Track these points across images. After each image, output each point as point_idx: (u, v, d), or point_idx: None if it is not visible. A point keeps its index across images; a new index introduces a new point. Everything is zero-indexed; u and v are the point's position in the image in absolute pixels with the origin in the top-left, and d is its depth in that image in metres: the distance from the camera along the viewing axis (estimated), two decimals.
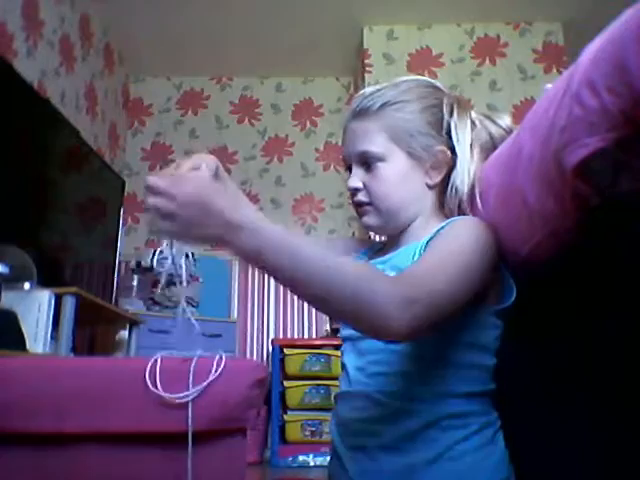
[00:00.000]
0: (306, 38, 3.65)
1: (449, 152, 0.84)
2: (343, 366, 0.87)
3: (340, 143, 0.92)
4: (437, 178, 0.85)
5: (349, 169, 0.88)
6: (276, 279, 0.64)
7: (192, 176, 0.69)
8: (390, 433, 0.76)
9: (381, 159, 0.83)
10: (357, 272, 0.64)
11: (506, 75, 3.49)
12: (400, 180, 0.84)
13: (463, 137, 0.84)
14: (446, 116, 0.85)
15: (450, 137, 0.84)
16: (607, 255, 0.66)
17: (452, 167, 0.83)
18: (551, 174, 0.61)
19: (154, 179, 0.62)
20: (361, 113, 0.86)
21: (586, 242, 0.66)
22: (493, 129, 0.87)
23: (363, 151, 0.84)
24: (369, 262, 0.85)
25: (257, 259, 0.62)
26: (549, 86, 0.67)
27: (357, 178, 0.85)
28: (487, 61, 3.53)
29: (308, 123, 4.02)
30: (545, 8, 3.43)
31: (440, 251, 0.72)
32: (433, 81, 0.91)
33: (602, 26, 0.55)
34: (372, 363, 0.80)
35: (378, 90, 0.87)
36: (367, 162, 0.84)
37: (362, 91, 0.89)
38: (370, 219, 0.86)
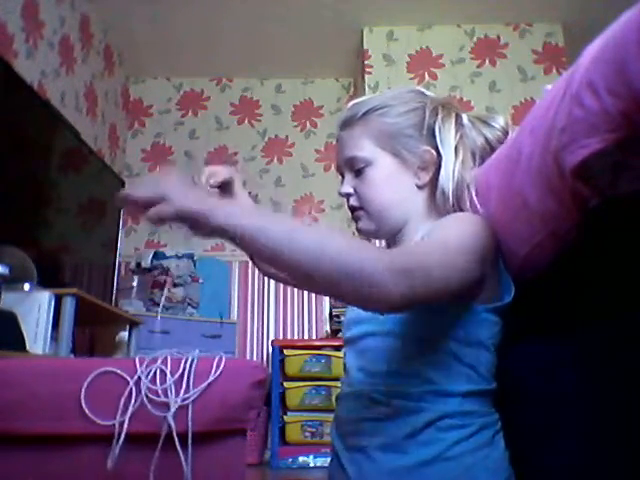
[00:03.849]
0: (306, 39, 3.65)
1: (435, 152, 0.85)
2: (345, 368, 0.88)
3: None
4: (426, 178, 0.86)
5: (343, 177, 0.91)
6: (259, 247, 0.65)
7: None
8: (388, 433, 0.76)
9: (368, 163, 0.86)
10: (346, 241, 0.65)
11: (506, 76, 3.49)
12: (387, 182, 0.86)
13: (447, 138, 0.85)
14: (429, 118, 0.86)
15: (435, 138, 0.86)
16: (607, 255, 0.66)
17: (440, 168, 0.85)
18: (551, 175, 0.61)
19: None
20: (347, 122, 0.89)
21: (586, 242, 0.66)
22: (488, 132, 0.89)
23: (351, 157, 0.87)
24: None
25: (239, 231, 0.65)
26: (549, 87, 0.67)
27: (348, 184, 0.89)
28: (487, 62, 3.53)
29: (308, 124, 4.02)
30: (545, 9, 3.43)
31: (432, 238, 0.74)
32: (418, 87, 0.94)
33: (602, 27, 0.55)
34: (371, 362, 0.81)
35: (363, 100, 0.91)
36: (356, 167, 0.87)
37: (349, 105, 0.92)
38: (363, 224, 0.88)
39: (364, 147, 0.86)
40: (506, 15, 3.50)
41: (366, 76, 3.50)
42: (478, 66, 3.53)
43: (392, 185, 0.86)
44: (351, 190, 0.88)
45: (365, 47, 3.56)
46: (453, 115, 0.87)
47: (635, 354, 0.63)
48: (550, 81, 2.88)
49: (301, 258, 0.63)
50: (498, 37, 3.57)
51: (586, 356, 0.69)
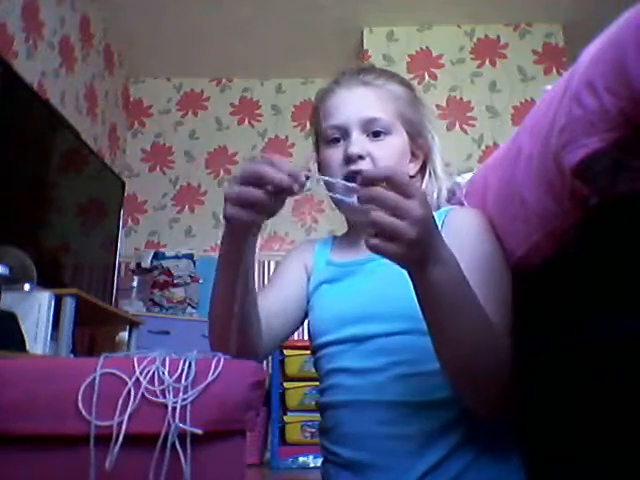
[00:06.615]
0: (306, 39, 3.65)
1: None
2: (337, 371, 0.82)
3: None
4: (415, 169, 0.87)
5: (334, 140, 0.84)
6: (435, 320, 0.63)
7: (416, 189, 0.57)
8: (429, 457, 0.71)
9: (388, 131, 0.82)
10: (501, 340, 0.67)
11: (506, 76, 3.49)
12: (399, 157, 0.84)
13: (435, 130, 0.88)
14: (422, 111, 0.89)
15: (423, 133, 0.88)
16: (605, 255, 0.66)
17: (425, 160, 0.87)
18: (550, 174, 0.61)
19: (386, 193, 0.54)
20: (371, 83, 0.85)
21: (584, 242, 0.65)
22: None
23: (374, 118, 0.81)
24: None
25: (433, 292, 0.60)
26: (548, 87, 0.67)
27: (361, 145, 0.80)
28: (487, 62, 3.53)
29: (308, 124, 4.01)
30: (545, 9, 3.43)
31: (472, 255, 0.72)
32: None
33: (602, 27, 0.55)
34: (394, 364, 0.74)
35: (383, 70, 0.90)
36: (373, 130, 0.82)
37: (361, 65, 0.92)
38: None
39: (389, 112, 0.82)
40: (506, 15, 3.50)
41: None
42: (478, 66, 3.52)
43: (401, 162, 0.84)
44: (364, 152, 0.80)
45: (365, 47, 3.56)
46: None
47: (635, 354, 0.63)
48: (550, 81, 2.87)
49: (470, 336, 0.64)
50: (498, 37, 3.57)
51: (587, 356, 0.69)
